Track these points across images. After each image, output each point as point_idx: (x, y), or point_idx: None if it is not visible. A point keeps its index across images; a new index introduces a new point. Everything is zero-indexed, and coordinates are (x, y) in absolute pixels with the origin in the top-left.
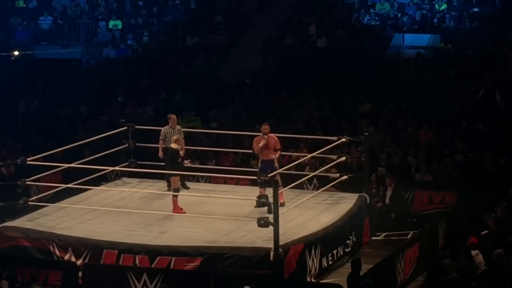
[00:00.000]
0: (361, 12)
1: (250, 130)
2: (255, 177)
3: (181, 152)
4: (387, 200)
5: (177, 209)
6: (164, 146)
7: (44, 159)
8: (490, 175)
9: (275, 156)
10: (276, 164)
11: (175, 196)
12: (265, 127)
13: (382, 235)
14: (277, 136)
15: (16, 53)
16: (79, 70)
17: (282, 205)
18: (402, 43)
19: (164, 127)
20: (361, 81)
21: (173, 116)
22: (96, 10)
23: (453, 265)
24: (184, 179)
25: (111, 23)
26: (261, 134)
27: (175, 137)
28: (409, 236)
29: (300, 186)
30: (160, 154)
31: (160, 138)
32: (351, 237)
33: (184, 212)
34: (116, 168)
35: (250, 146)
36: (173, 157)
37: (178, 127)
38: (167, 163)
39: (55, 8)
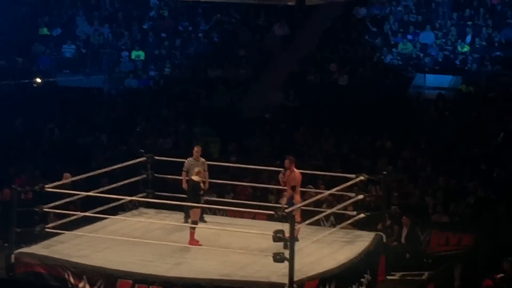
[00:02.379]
0: (383, 51)
1: (269, 164)
2: (272, 212)
3: (202, 185)
4: (402, 240)
5: (193, 241)
6: (187, 178)
7: (62, 186)
8: (507, 218)
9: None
10: (295, 200)
11: (193, 229)
12: (285, 162)
13: (397, 275)
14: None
15: (39, 80)
16: (100, 99)
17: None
18: (423, 83)
19: (188, 159)
20: (381, 120)
21: (196, 148)
22: (119, 40)
23: None
24: (202, 212)
25: (134, 54)
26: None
27: (197, 169)
28: (424, 277)
29: (317, 223)
30: (184, 185)
31: (184, 169)
32: (366, 275)
33: (200, 245)
34: (134, 198)
35: (268, 181)
36: (195, 189)
37: (202, 159)
38: (189, 195)
39: (78, 37)
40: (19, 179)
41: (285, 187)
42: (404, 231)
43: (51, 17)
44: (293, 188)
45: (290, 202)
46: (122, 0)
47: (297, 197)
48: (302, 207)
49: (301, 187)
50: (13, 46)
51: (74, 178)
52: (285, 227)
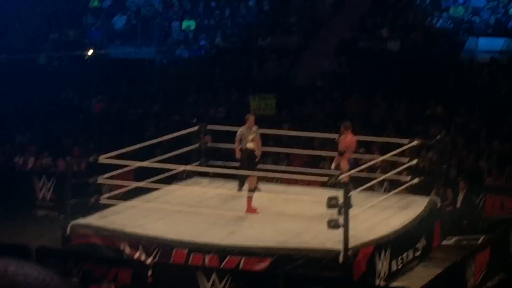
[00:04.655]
0: (434, 15)
1: (322, 131)
2: (325, 179)
3: (257, 152)
4: (458, 204)
5: (251, 209)
6: (240, 146)
7: (116, 157)
8: None
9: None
10: (342, 166)
11: (250, 196)
12: (341, 126)
13: (453, 240)
14: None
15: (90, 52)
16: (152, 70)
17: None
18: (476, 47)
19: (241, 128)
20: (434, 85)
21: (251, 117)
22: (170, 10)
23: None
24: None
25: (185, 24)
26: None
27: (251, 137)
28: (480, 241)
29: (370, 189)
30: (237, 154)
31: (236, 139)
32: (421, 240)
33: (258, 212)
34: (187, 167)
35: (321, 148)
36: (250, 157)
37: (254, 128)
38: (244, 163)
39: (129, 8)
40: (74, 151)
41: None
42: (460, 196)
43: None
44: (341, 153)
45: (338, 168)
46: None
47: (344, 164)
48: (356, 173)
49: (355, 151)
50: (64, 18)
51: (127, 149)
52: (339, 193)
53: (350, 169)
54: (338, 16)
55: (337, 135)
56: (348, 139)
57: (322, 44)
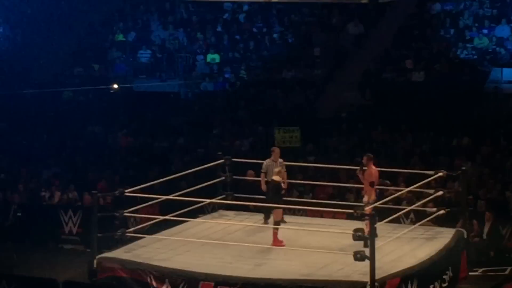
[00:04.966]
0: (458, 46)
1: (347, 163)
2: (351, 211)
3: (283, 184)
4: (484, 235)
5: (277, 242)
6: (266, 179)
7: (141, 191)
8: None
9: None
10: (367, 198)
11: (276, 229)
12: (363, 158)
13: (480, 271)
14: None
15: (115, 86)
16: (177, 103)
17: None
18: (500, 78)
19: (266, 160)
20: (459, 116)
21: (276, 149)
22: (194, 43)
23: None
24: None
25: (209, 57)
26: None
27: (277, 169)
28: (507, 272)
29: (397, 220)
30: (263, 187)
31: (262, 171)
32: (448, 272)
33: (284, 245)
34: (213, 200)
35: (346, 180)
36: (276, 189)
37: (280, 160)
38: (269, 196)
39: (153, 42)
40: (99, 184)
41: (362, 185)
42: (487, 227)
43: (126, 23)
44: (371, 185)
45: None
46: (196, 4)
47: (372, 195)
48: (382, 205)
49: (379, 185)
50: (89, 53)
51: (153, 182)
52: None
53: (376, 201)
54: (362, 48)
55: (358, 167)
56: (374, 170)
57: (346, 76)
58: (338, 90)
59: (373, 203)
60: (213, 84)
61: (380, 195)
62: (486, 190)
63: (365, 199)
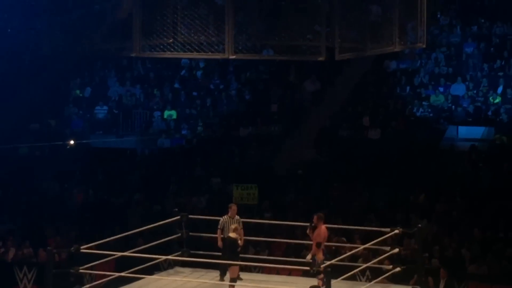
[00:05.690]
0: (415, 104)
1: (304, 220)
2: (307, 268)
3: (239, 241)
4: None
5: None
6: (222, 235)
7: (97, 247)
8: None
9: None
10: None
11: (232, 286)
12: (314, 218)
13: None
14: (330, 227)
15: (72, 142)
16: (133, 159)
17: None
18: (456, 135)
19: (223, 217)
20: (415, 173)
21: (233, 206)
22: (151, 100)
23: None
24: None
25: (166, 113)
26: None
27: (233, 226)
28: None
29: (353, 278)
30: (219, 243)
31: (219, 227)
32: None
33: None
34: (169, 257)
35: (303, 237)
36: (232, 246)
37: (237, 217)
38: (226, 253)
39: (110, 98)
40: (53, 240)
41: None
42: (441, 284)
43: (83, 78)
44: (318, 245)
45: (314, 259)
46: (153, 61)
47: (319, 255)
48: (338, 262)
49: (336, 242)
50: (46, 108)
51: (109, 239)
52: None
53: (325, 259)
54: (319, 105)
55: (308, 226)
56: (323, 230)
57: (303, 133)
58: (294, 147)
59: (321, 263)
60: (169, 140)
61: (336, 252)
62: (440, 248)
63: (309, 257)
